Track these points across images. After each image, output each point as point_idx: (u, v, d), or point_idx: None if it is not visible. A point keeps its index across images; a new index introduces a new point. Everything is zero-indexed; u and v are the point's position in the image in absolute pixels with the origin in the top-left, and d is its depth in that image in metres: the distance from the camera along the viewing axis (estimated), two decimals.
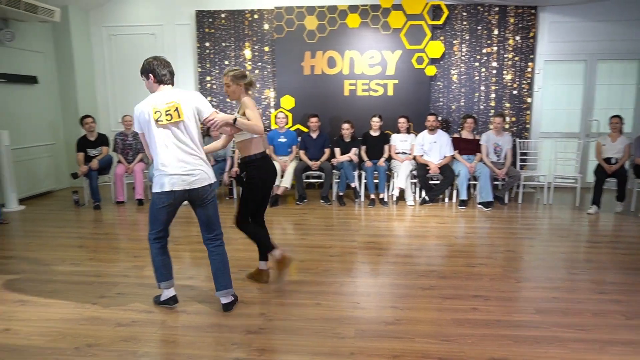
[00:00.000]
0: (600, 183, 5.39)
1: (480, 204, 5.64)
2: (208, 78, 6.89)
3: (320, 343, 2.50)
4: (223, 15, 6.72)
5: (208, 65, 6.86)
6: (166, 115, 2.68)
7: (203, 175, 2.76)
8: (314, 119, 6.10)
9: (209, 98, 6.92)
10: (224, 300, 2.90)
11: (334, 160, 6.00)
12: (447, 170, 5.78)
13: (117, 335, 2.59)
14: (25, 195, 6.16)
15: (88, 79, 7.11)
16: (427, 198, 5.85)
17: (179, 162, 2.69)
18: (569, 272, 3.53)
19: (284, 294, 3.13)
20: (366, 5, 6.40)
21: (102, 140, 5.98)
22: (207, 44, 6.81)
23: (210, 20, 6.75)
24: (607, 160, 5.48)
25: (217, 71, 6.86)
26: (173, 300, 2.95)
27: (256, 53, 6.77)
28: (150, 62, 2.81)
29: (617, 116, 5.57)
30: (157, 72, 2.80)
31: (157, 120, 2.69)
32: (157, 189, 2.74)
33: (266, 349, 2.45)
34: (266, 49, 6.75)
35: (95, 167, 5.73)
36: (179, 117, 2.70)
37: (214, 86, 6.90)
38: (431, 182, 5.96)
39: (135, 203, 5.89)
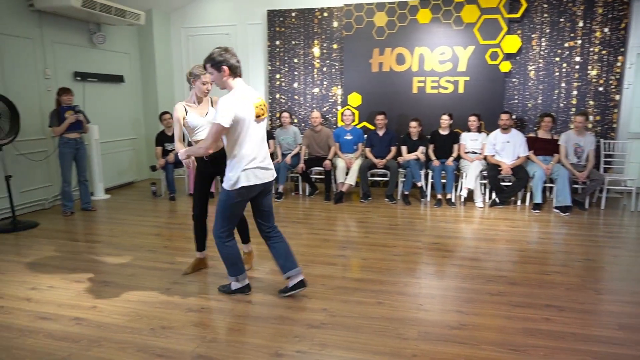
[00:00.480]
0: None
1: (556, 208, 5.29)
2: (277, 76, 7.06)
3: (381, 342, 2.48)
4: (293, 14, 6.85)
5: (278, 64, 7.03)
6: (261, 110, 2.78)
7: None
8: (380, 117, 6.04)
9: (277, 95, 7.10)
10: (300, 277, 3.03)
11: (400, 159, 5.92)
12: (520, 172, 5.48)
13: (187, 320, 2.75)
14: (111, 185, 6.69)
15: (167, 78, 7.57)
16: (497, 200, 5.59)
17: (267, 156, 2.89)
18: None
19: (346, 291, 3.14)
20: (438, 0, 6.22)
21: None
22: (277, 43, 6.97)
23: (281, 19, 6.90)
24: None
25: (286, 69, 7.00)
26: (248, 287, 3.11)
27: (325, 51, 6.83)
28: (223, 54, 2.72)
29: None
30: (231, 63, 2.72)
31: (258, 116, 2.77)
32: (243, 183, 2.76)
33: (327, 344, 2.47)
34: (335, 46, 6.79)
35: (172, 160, 6.09)
36: (265, 113, 2.83)
37: (283, 84, 7.06)
38: (502, 183, 5.68)
39: None
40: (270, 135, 6.47)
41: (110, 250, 4.07)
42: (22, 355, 2.38)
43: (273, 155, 6.45)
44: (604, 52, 5.92)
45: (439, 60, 6.33)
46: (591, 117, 6.03)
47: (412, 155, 5.82)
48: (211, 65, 2.74)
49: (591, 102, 6.04)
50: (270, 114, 7.17)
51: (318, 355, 2.37)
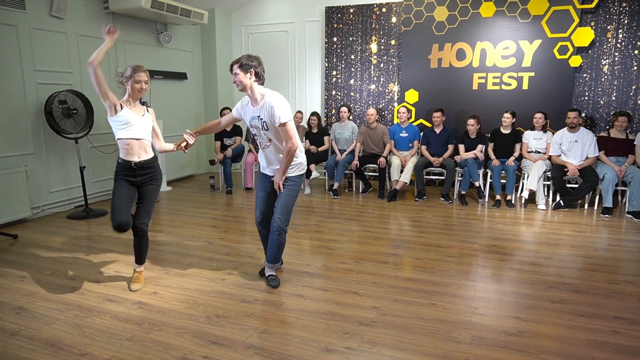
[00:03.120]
0: None
1: (630, 213, 4.91)
2: (334, 73, 7.07)
3: (433, 344, 2.43)
4: (352, 10, 6.83)
5: (334, 60, 7.04)
6: None
7: None
8: (437, 114, 5.89)
9: (333, 92, 7.12)
10: (268, 272, 3.23)
11: (457, 157, 5.74)
12: (589, 173, 5.13)
13: (241, 310, 2.83)
14: (172, 178, 7.02)
15: (227, 75, 7.80)
16: (562, 202, 5.28)
17: None
18: None
19: (398, 290, 3.10)
20: None
21: (236, 130, 6.53)
22: (335, 39, 6.98)
23: (339, 15, 6.90)
24: None
25: (342, 65, 7.00)
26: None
27: (382, 47, 6.75)
28: (256, 59, 2.95)
29: None
30: (259, 72, 2.96)
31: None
32: (300, 171, 3.15)
33: (377, 342, 2.46)
34: (392, 42, 6.69)
35: (230, 155, 6.29)
36: None
37: (339, 80, 7.06)
38: (568, 185, 5.36)
39: None
40: (325, 132, 6.51)
41: (171, 239, 4.27)
42: (90, 334, 2.57)
43: (328, 152, 6.49)
44: None
45: (501, 55, 6.06)
46: None
47: (470, 154, 5.62)
48: (239, 67, 2.89)
49: None
50: (326, 110, 7.21)
51: (368, 353, 2.36)
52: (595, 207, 5.31)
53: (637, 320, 2.68)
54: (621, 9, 5.61)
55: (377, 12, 6.69)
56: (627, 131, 5.35)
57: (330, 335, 2.53)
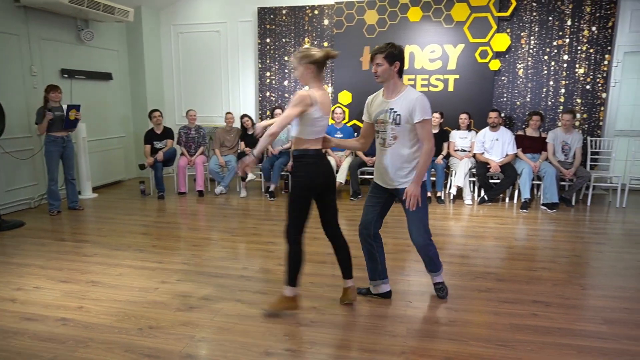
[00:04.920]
0: None
1: (544, 205, 5.34)
2: (268, 74, 7.03)
3: (371, 340, 2.49)
4: (284, 12, 6.83)
5: (268, 61, 7.00)
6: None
7: None
8: None
9: (267, 93, 7.07)
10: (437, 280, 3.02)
11: None
12: (508, 169, 5.52)
13: (176, 320, 2.73)
14: (99, 184, 6.62)
15: (156, 75, 7.50)
16: (486, 197, 5.63)
17: None
18: None
19: (336, 289, 3.14)
20: None
21: (167, 133, 6.29)
22: (268, 40, 6.94)
23: (272, 16, 6.88)
24: None
25: (276, 67, 6.98)
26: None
27: None
28: (400, 49, 2.67)
29: None
30: (403, 64, 2.71)
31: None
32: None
33: (317, 342, 2.47)
34: (325, 44, 6.78)
35: (161, 158, 6.04)
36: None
37: (273, 82, 7.03)
38: (491, 180, 5.72)
39: (196, 194, 6.14)
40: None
41: (97, 250, 4.02)
42: (6, 357, 2.35)
43: (263, 154, 6.44)
44: (591, 50, 5.99)
45: (429, 58, 6.35)
46: (578, 115, 6.09)
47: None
48: (384, 57, 2.67)
49: (578, 100, 6.11)
50: (260, 112, 7.15)
51: (308, 354, 2.36)
52: (515, 201, 5.72)
53: (551, 302, 2.92)
54: (532, 17, 6.09)
55: (310, 14, 6.75)
56: (540, 130, 5.82)
57: (269, 339, 2.51)
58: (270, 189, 6.01)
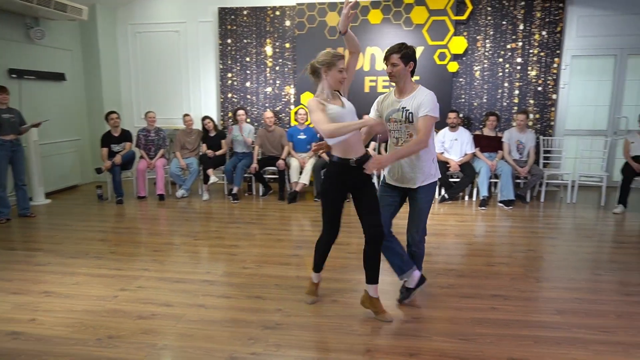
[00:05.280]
0: (627, 182, 5.23)
1: (501, 202, 5.54)
2: (229, 75, 6.95)
3: (336, 339, 2.50)
4: (245, 12, 6.76)
5: (229, 62, 6.92)
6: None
7: None
8: None
9: (229, 95, 6.99)
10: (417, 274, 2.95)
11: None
12: (467, 168, 5.69)
13: (137, 328, 2.65)
14: (52, 189, 6.33)
15: (113, 76, 7.26)
16: (446, 196, 5.78)
17: None
18: (592, 273, 3.44)
19: (301, 291, 3.14)
20: (389, 1, 6.34)
21: (125, 136, 6.10)
22: (229, 41, 6.86)
23: (233, 17, 6.80)
24: (636, 158, 5.31)
25: (238, 68, 6.91)
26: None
27: (277, 50, 6.79)
28: (413, 49, 2.70)
29: None
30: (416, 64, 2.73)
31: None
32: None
33: (283, 344, 2.46)
34: (287, 45, 6.76)
35: (119, 162, 5.85)
36: None
37: (235, 83, 6.95)
38: (451, 179, 5.88)
39: (157, 198, 5.99)
40: (223, 135, 6.36)
41: (51, 258, 3.85)
42: None
43: (226, 156, 6.36)
44: (542, 53, 6.26)
45: None
46: (531, 115, 6.36)
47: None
48: (400, 57, 2.68)
49: (531, 101, 6.37)
50: (222, 113, 7.05)
51: (273, 357, 2.35)
52: (474, 199, 5.90)
53: (509, 296, 3.03)
54: (487, 21, 6.31)
55: (271, 15, 6.72)
56: (497, 130, 6.03)
57: (234, 343, 2.48)
58: (233, 192, 5.93)
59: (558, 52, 6.24)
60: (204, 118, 6.28)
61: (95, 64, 6.97)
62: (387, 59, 2.70)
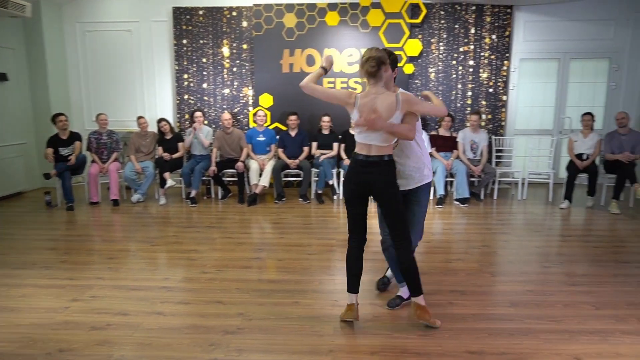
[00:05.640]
0: (572, 178, 5.53)
1: (457, 200, 5.72)
2: (185, 76, 6.79)
3: (299, 341, 2.50)
4: (201, 12, 6.64)
5: (185, 63, 6.77)
6: None
7: None
8: (293, 117, 6.08)
9: (186, 96, 6.83)
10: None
11: (313, 152, 6.08)
12: None
13: (91, 339, 2.54)
14: None
15: (61, 77, 6.93)
16: None
17: None
18: (542, 266, 3.61)
19: (262, 294, 3.11)
20: (345, 4, 6.40)
21: (75, 138, 5.84)
22: (185, 41, 6.71)
23: (188, 17, 6.65)
24: (579, 156, 5.63)
25: (194, 69, 6.77)
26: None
27: (234, 51, 6.71)
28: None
29: (589, 113, 5.72)
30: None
31: None
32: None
33: (244, 349, 2.43)
34: (244, 46, 6.69)
35: (73, 162, 5.61)
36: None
37: (191, 84, 6.81)
38: None
39: (110, 204, 5.77)
40: (180, 137, 6.21)
41: None
42: None
43: (183, 159, 6.21)
44: (492, 56, 6.52)
45: (347, 62, 6.52)
46: (484, 116, 6.60)
47: (326, 151, 5.98)
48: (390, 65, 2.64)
49: (483, 102, 6.62)
50: (178, 115, 6.89)
51: None
52: (431, 197, 6.05)
53: (466, 291, 3.13)
54: (440, 25, 6.50)
55: (228, 16, 6.63)
56: (452, 130, 6.22)
57: (194, 350, 2.42)
58: (191, 195, 5.81)
59: (507, 55, 6.52)
60: (160, 120, 6.11)
61: (40, 64, 6.63)
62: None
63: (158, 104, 7.03)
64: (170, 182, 5.77)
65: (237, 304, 2.97)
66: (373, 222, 4.98)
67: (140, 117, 6.14)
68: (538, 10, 6.52)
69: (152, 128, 6.31)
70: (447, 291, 3.14)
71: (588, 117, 5.68)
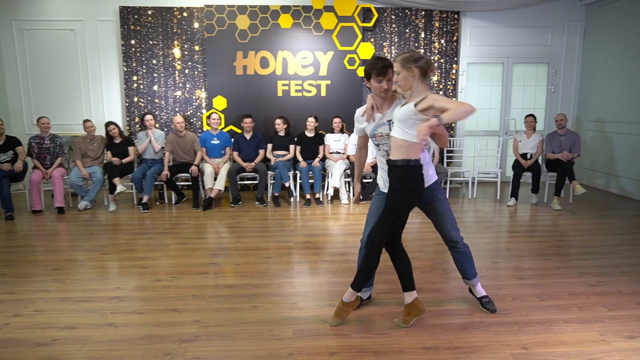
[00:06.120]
0: (517, 177, 5.81)
1: None
2: (134, 78, 6.57)
3: (257, 346, 2.47)
4: (150, 12, 6.44)
5: (134, 64, 6.54)
6: None
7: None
8: (247, 120, 6.02)
9: (135, 99, 6.61)
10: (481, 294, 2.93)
11: (269, 155, 6.07)
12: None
13: (35, 356, 2.39)
14: None
15: None
16: (361, 196, 5.96)
17: None
18: (492, 261, 3.76)
19: (219, 300, 3.05)
20: (298, 6, 6.42)
21: (12, 143, 5.49)
22: (133, 42, 6.49)
23: (136, 16, 6.44)
24: (523, 155, 5.93)
25: (144, 70, 6.55)
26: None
27: (186, 52, 6.56)
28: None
29: (531, 115, 6.03)
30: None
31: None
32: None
33: (202, 356, 2.37)
34: (196, 48, 6.56)
35: (20, 168, 5.30)
36: None
37: (141, 86, 6.59)
38: (365, 180, 6.10)
39: (55, 212, 5.47)
40: (130, 141, 6.00)
41: None
42: None
43: (134, 163, 6.00)
44: (442, 60, 6.74)
45: (301, 64, 6.54)
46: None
47: (282, 152, 5.99)
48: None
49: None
50: (128, 118, 6.64)
51: None
52: None
53: (421, 288, 3.21)
54: (392, 29, 6.65)
55: (178, 16, 6.48)
56: None
57: None
58: (143, 201, 5.62)
59: (456, 59, 6.76)
60: (108, 124, 5.86)
61: None
62: (382, 74, 2.54)
63: (106, 106, 6.75)
64: (120, 188, 5.55)
65: (193, 311, 2.90)
66: (348, 222, 5.02)
67: (86, 121, 5.87)
68: (483, 17, 6.82)
69: (100, 132, 6.05)
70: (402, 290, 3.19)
71: (530, 119, 5.99)
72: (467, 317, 2.79)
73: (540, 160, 6.00)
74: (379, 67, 2.52)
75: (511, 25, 6.86)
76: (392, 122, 2.59)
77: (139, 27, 6.47)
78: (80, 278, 3.47)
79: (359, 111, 2.82)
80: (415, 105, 2.40)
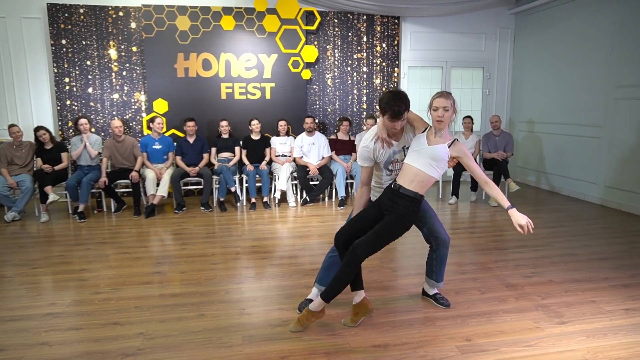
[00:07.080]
0: (457, 176, 6.07)
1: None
2: (66, 80, 6.19)
3: (206, 355, 2.40)
4: (82, 11, 6.10)
5: (66, 65, 6.17)
6: None
7: None
8: (190, 123, 5.86)
9: (68, 102, 6.23)
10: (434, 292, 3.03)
11: (212, 159, 5.98)
12: (325, 171, 5.99)
13: None
14: None
15: None
16: (308, 198, 6.00)
17: None
18: None
19: (164, 309, 2.94)
20: (240, 8, 6.34)
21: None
22: (64, 42, 6.12)
23: (67, 15, 6.08)
24: None
25: (77, 72, 6.20)
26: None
27: (123, 53, 6.28)
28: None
29: (468, 116, 6.33)
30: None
31: None
32: None
33: None
34: (134, 49, 6.30)
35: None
36: None
37: (74, 89, 6.23)
38: (311, 182, 6.13)
39: None
40: (63, 147, 5.65)
41: None
42: None
43: (68, 170, 5.66)
44: (384, 63, 6.92)
45: (245, 67, 6.46)
46: (379, 120, 6.96)
47: (228, 154, 5.94)
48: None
49: (378, 107, 6.98)
50: (60, 123, 6.25)
51: None
52: (333, 199, 6.24)
53: (370, 287, 3.27)
54: (335, 32, 6.74)
55: (114, 16, 6.19)
56: (350, 133, 6.47)
57: None
58: (79, 210, 5.30)
59: (397, 62, 6.97)
60: (38, 129, 5.48)
61: None
62: (397, 118, 2.59)
63: (34, 110, 6.31)
64: (52, 197, 5.21)
65: (137, 323, 2.77)
66: (313, 226, 5.00)
67: (12, 126, 5.45)
68: (421, 22, 7.08)
69: (29, 137, 5.65)
70: (349, 290, 3.23)
71: (468, 120, 6.29)
72: (414, 313, 2.87)
73: (478, 160, 6.31)
74: (395, 111, 2.54)
75: (448, 31, 7.18)
76: (407, 149, 2.71)
77: (70, 26, 6.11)
78: (8, 295, 3.21)
79: (368, 139, 2.74)
80: (449, 146, 2.64)
